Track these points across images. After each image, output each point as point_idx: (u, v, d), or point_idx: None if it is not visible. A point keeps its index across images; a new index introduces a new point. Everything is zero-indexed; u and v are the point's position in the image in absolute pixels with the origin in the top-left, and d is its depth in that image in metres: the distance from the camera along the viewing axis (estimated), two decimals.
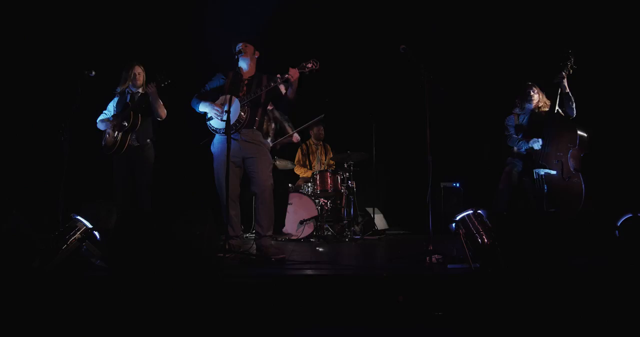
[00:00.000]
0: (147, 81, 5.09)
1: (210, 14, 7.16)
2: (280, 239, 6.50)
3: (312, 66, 4.48)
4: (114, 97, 5.25)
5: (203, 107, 4.57)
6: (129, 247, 3.38)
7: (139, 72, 5.16)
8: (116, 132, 5.03)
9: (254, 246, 4.64)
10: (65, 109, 4.74)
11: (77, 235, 3.65)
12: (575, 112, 5.03)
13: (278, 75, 4.49)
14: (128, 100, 5.13)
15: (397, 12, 7.34)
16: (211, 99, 4.60)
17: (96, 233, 3.77)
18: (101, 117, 5.22)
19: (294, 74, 4.43)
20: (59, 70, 6.56)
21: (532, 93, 5.20)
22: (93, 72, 4.78)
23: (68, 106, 4.71)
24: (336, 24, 7.33)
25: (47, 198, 5.70)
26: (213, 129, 4.57)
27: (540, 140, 4.99)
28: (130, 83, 5.15)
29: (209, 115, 4.56)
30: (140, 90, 5.16)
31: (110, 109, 5.21)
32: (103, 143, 5.12)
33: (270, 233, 4.54)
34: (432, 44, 6.93)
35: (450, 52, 7.25)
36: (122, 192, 5.03)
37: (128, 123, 4.97)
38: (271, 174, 4.64)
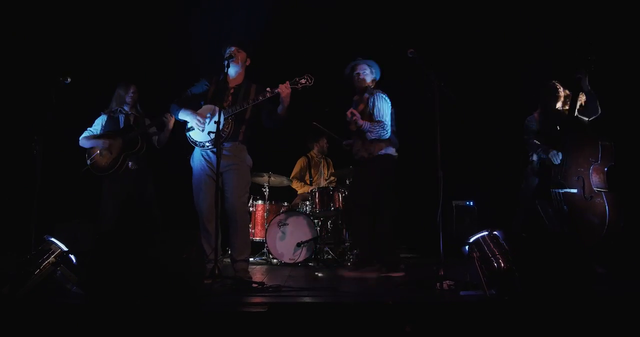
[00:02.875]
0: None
1: (195, 15, 7.23)
2: (275, 262, 6.51)
3: (305, 82, 4.47)
4: (101, 113, 5.37)
5: (183, 115, 4.58)
6: (108, 272, 3.38)
7: (134, 91, 5.38)
8: (114, 153, 5.14)
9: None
10: (38, 120, 4.76)
11: (51, 259, 3.65)
12: (599, 110, 4.94)
13: (268, 89, 4.48)
14: (122, 121, 5.29)
15: (404, 15, 7.41)
16: (192, 106, 4.61)
17: (72, 257, 3.77)
18: (86, 134, 5.33)
19: (283, 90, 4.41)
20: (30, 76, 6.58)
21: (559, 89, 5.15)
22: (69, 79, 4.82)
23: (40, 116, 4.73)
24: (337, 28, 7.40)
25: (17, 218, 5.70)
26: (192, 141, 4.60)
27: (560, 154, 4.91)
28: (125, 103, 5.32)
29: (189, 125, 4.58)
30: (133, 111, 5.44)
31: (98, 127, 5.33)
32: (90, 162, 5.21)
33: (244, 257, 4.55)
34: (442, 48, 6.99)
35: (463, 56, 7.29)
36: (111, 216, 5.13)
37: (135, 147, 5.24)
38: (246, 193, 4.66)
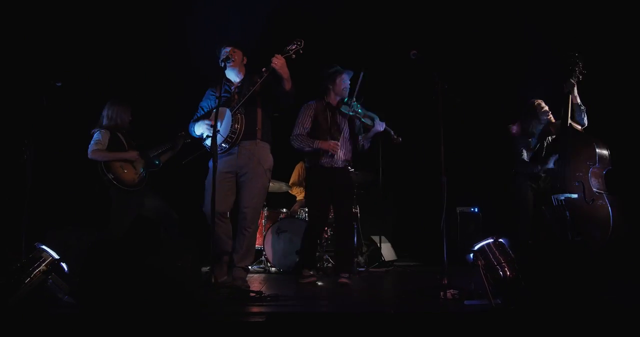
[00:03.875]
0: None
1: (190, 14, 7.25)
2: (274, 270, 6.51)
3: (296, 47, 4.46)
4: (97, 129, 5.37)
5: (198, 128, 4.63)
6: (101, 281, 3.39)
7: (130, 113, 5.54)
8: (137, 168, 5.38)
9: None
10: (29, 124, 4.76)
11: (42, 267, 3.65)
12: (586, 121, 5.06)
13: (263, 69, 4.47)
14: (124, 139, 5.47)
15: (407, 16, 7.44)
16: (205, 117, 4.67)
17: (64, 265, 3.77)
18: (97, 147, 5.25)
19: (277, 61, 4.38)
20: (20, 79, 6.58)
21: (543, 106, 5.29)
22: (60, 82, 4.82)
23: (31, 120, 4.73)
24: (338, 28, 7.42)
25: (7, 225, 5.71)
26: (209, 149, 4.58)
27: (555, 155, 5.02)
28: (121, 124, 5.45)
29: (204, 135, 4.61)
30: (123, 131, 5.53)
31: (105, 142, 5.30)
32: (117, 177, 5.26)
33: (244, 264, 4.56)
34: (447, 49, 7.01)
35: (467, 59, 7.32)
36: (123, 226, 5.20)
37: (155, 167, 5.50)
38: (262, 198, 4.68)
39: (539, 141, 5.31)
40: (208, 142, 4.57)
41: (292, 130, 5.19)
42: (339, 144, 5.09)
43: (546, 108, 5.32)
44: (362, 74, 5.12)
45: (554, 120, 5.28)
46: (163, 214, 5.47)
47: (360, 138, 5.34)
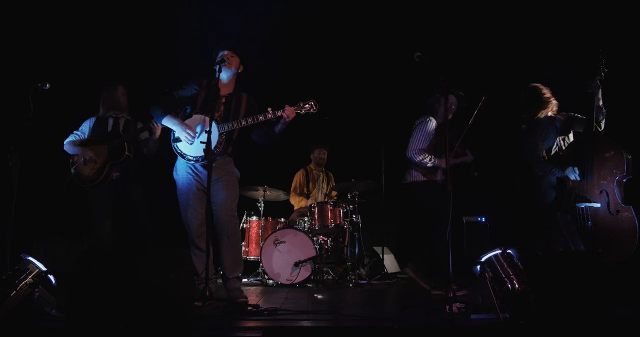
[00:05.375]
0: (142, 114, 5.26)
1: (184, 14, 7.28)
2: (271, 283, 6.51)
3: (309, 108, 4.60)
4: (89, 117, 5.35)
5: (169, 123, 4.58)
6: (90, 294, 3.39)
7: (123, 93, 5.37)
8: (99, 163, 5.14)
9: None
10: (14, 128, 4.76)
11: (29, 279, 3.66)
12: (604, 125, 4.94)
13: (269, 109, 4.54)
14: (111, 124, 5.28)
15: (409, 18, 7.46)
16: (178, 110, 4.65)
17: (51, 277, 3.78)
18: (72, 138, 5.31)
19: (290, 113, 4.53)
20: (5, 82, 6.59)
21: (542, 90, 5.14)
22: (47, 85, 4.82)
23: (17, 124, 4.73)
24: (337, 32, 7.44)
25: None
26: (180, 154, 4.61)
27: (576, 169, 4.85)
28: (114, 106, 5.32)
29: (176, 135, 4.60)
30: (124, 114, 5.41)
31: (85, 130, 5.32)
32: (74, 171, 5.19)
33: (236, 274, 4.60)
34: (452, 50, 7.03)
35: (475, 59, 7.33)
36: (108, 231, 5.14)
37: (121, 156, 5.20)
38: (236, 206, 4.71)
39: (554, 139, 5.12)
40: (179, 145, 4.58)
41: None
42: None
43: (548, 94, 5.17)
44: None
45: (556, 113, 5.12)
46: (132, 219, 5.39)
47: None
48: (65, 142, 5.31)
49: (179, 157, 4.65)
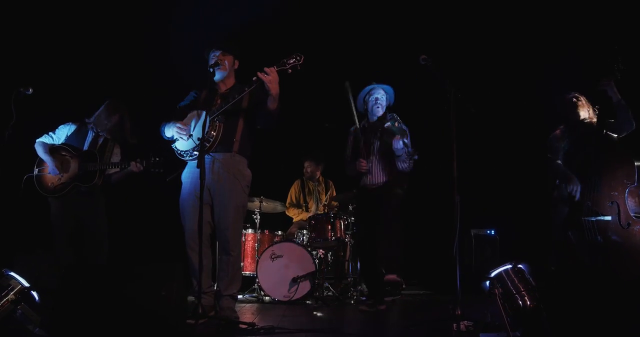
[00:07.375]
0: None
1: (177, 15, 7.32)
2: (268, 300, 6.50)
3: (294, 62, 4.37)
4: (70, 122, 5.37)
5: (168, 130, 4.59)
6: (76, 311, 3.39)
7: (117, 121, 5.54)
8: (65, 178, 5.22)
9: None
10: None
11: (10, 296, 3.66)
12: (634, 123, 4.79)
13: (254, 78, 4.36)
14: (89, 140, 5.35)
15: (415, 20, 7.49)
16: (178, 118, 4.63)
17: (34, 293, 3.78)
18: (45, 140, 5.32)
19: (269, 74, 4.27)
20: None
21: (579, 97, 5.07)
22: (30, 90, 4.82)
23: None
24: (338, 33, 7.48)
25: None
26: (178, 153, 4.61)
27: (579, 188, 4.78)
28: (103, 126, 5.44)
29: (174, 137, 4.59)
30: (107, 134, 5.48)
31: (61, 136, 5.34)
32: (37, 173, 5.21)
33: (232, 292, 4.54)
34: (460, 53, 7.06)
35: (484, 66, 7.36)
36: (65, 243, 5.12)
37: (90, 182, 5.28)
38: (242, 217, 4.65)
39: (580, 138, 5.01)
40: (177, 144, 4.59)
41: None
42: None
43: (576, 102, 5.10)
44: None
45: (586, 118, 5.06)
46: (90, 235, 5.38)
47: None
48: (37, 141, 5.33)
49: (183, 160, 4.65)
